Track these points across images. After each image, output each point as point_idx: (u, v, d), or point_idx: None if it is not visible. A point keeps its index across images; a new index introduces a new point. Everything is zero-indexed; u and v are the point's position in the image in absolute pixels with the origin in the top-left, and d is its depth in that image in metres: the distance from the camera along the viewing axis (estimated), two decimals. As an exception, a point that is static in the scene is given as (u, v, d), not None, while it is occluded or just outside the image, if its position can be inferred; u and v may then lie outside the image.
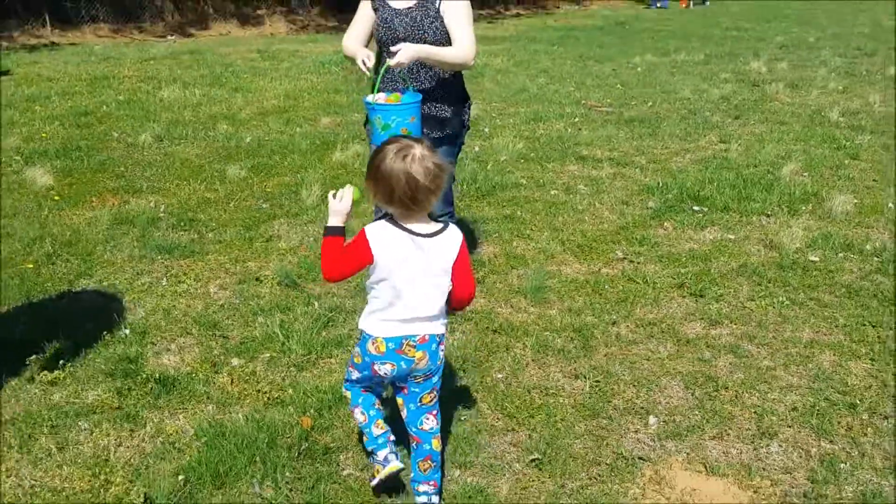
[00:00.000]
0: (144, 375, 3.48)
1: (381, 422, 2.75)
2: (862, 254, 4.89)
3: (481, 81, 11.30)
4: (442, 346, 2.60)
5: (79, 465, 2.91)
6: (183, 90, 10.21)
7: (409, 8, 3.75)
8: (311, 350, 3.72)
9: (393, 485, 2.74)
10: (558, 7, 27.79)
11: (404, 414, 2.68)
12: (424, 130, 3.66)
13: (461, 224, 5.33)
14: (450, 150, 3.93)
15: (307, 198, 5.89)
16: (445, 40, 3.72)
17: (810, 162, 6.92)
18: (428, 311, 2.52)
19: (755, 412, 3.28)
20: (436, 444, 2.67)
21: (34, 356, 3.62)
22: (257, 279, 4.53)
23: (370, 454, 2.75)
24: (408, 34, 3.70)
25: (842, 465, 2.94)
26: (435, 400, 2.67)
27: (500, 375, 3.54)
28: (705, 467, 2.94)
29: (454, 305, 2.60)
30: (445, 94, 3.86)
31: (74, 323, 3.96)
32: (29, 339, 3.76)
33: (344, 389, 2.80)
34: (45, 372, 3.49)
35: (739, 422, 3.22)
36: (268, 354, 3.70)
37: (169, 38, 17.49)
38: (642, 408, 3.31)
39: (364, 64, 3.63)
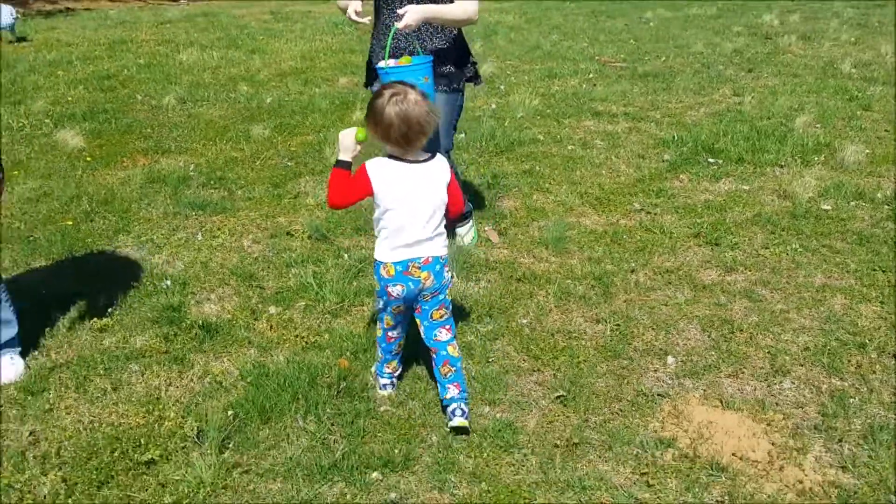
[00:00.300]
0: (188, 322, 3.68)
1: (394, 364, 3.19)
2: (873, 202, 5.02)
3: (495, 39, 11.37)
4: (446, 268, 2.94)
5: (133, 402, 3.12)
6: (201, 53, 10.34)
7: None
8: (343, 298, 3.90)
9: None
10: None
11: (422, 331, 3.02)
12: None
13: (477, 178, 5.50)
14: (454, 102, 4.12)
15: (331, 156, 6.05)
16: None
17: (823, 113, 7.02)
18: (430, 232, 2.86)
19: (769, 352, 3.45)
20: (451, 350, 2.99)
21: (83, 305, 3.82)
22: (288, 233, 4.70)
23: (377, 374, 3.23)
24: None
25: (851, 400, 3.11)
26: (446, 316, 3.00)
27: (524, 321, 3.72)
28: (721, 402, 3.12)
29: (450, 217, 3.01)
30: (450, 50, 4.00)
31: (117, 275, 4.16)
32: (75, 291, 3.97)
33: (377, 319, 3.16)
34: (95, 319, 3.70)
35: (754, 361, 3.39)
36: (303, 303, 3.89)
37: (182, 1, 17.53)
38: (661, 349, 3.49)
39: (355, 14, 3.76)
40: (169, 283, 4.09)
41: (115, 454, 2.78)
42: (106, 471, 2.71)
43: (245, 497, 2.62)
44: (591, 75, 8.92)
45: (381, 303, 3.01)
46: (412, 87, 2.79)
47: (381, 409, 3.08)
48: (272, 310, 3.83)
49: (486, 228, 4.75)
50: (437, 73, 3.80)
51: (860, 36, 10.97)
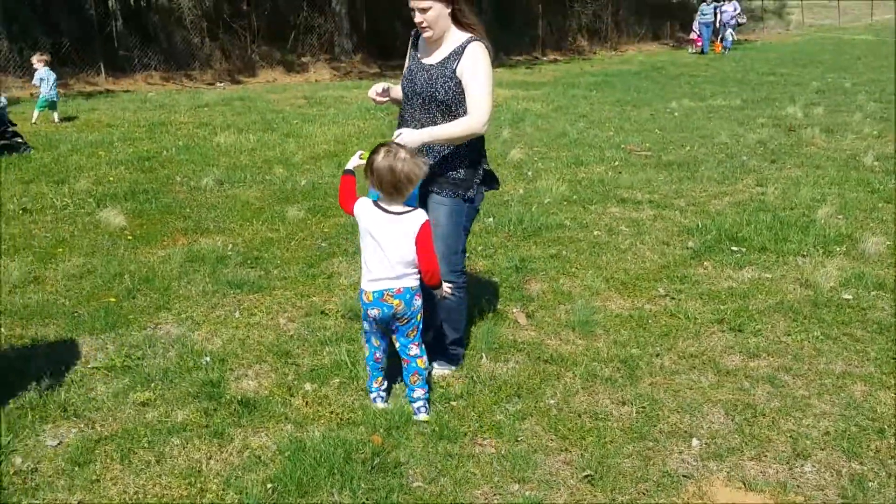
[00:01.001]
0: (227, 398, 3.83)
1: (380, 379, 3.78)
2: (893, 292, 5.12)
3: (522, 126, 11.69)
4: (417, 297, 3.54)
5: (175, 475, 3.24)
6: (237, 136, 10.73)
7: (433, 65, 3.80)
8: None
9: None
10: (594, 53, 28.28)
11: (397, 346, 3.66)
12: (435, 191, 3.86)
13: (505, 261, 5.66)
14: (462, 211, 3.91)
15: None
16: (457, 101, 3.74)
17: (845, 205, 7.17)
18: (396, 272, 3.46)
19: (790, 436, 3.53)
20: (420, 363, 3.66)
21: (126, 380, 3.98)
22: (322, 312, 4.87)
23: (368, 391, 3.82)
24: (423, 90, 3.79)
25: (870, 484, 3.18)
26: (416, 334, 3.62)
27: (552, 401, 3.83)
28: (744, 484, 3.20)
29: (424, 279, 3.53)
30: (458, 158, 3.85)
31: (158, 351, 4.33)
32: (119, 366, 4.13)
33: (363, 342, 3.80)
34: (138, 394, 3.85)
35: (776, 445, 3.47)
36: (337, 380, 4.03)
37: (218, 85, 18.19)
38: (686, 431, 3.58)
39: (377, 94, 3.96)
40: (208, 359, 4.24)
41: (160, 524, 2.90)
42: (151, 540, 2.82)
43: (283, 568, 2.72)
44: (616, 163, 9.16)
45: (366, 325, 3.63)
46: (402, 146, 3.43)
47: (414, 484, 3.18)
48: (308, 386, 3.97)
49: (514, 310, 4.90)
50: (446, 179, 3.84)
51: (883, 130, 11.19)
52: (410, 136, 3.68)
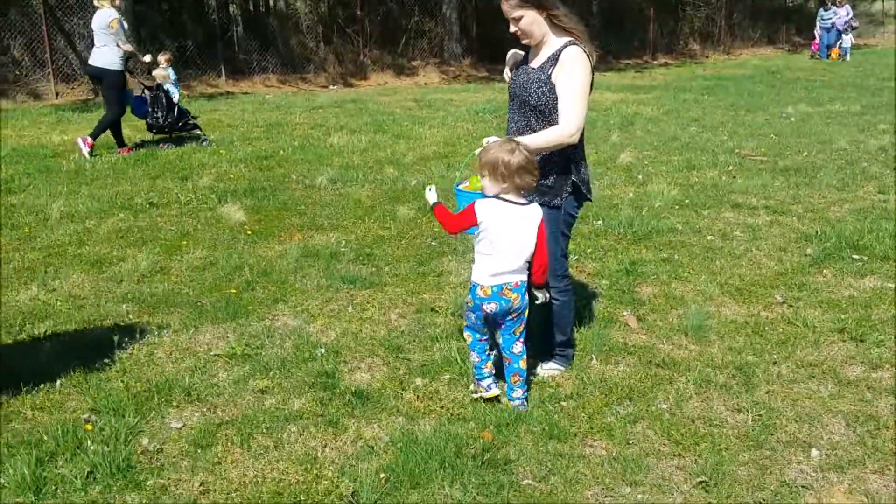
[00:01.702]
0: (341, 388, 3.92)
1: (490, 364, 3.77)
2: None
3: (632, 130, 11.54)
4: (526, 292, 3.61)
5: (292, 461, 3.35)
6: (350, 136, 10.96)
7: (533, 69, 3.77)
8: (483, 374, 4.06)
9: (489, 403, 3.75)
10: (707, 56, 27.63)
11: (500, 342, 3.73)
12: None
13: (615, 264, 5.59)
14: (553, 218, 3.84)
15: (472, 238, 6.29)
16: (551, 106, 3.69)
17: (979, 214, 6.79)
18: (519, 263, 3.54)
19: (920, 452, 3.37)
20: (522, 363, 3.71)
21: (246, 367, 4.14)
22: (432, 309, 4.93)
23: (478, 380, 3.78)
24: (519, 93, 3.79)
25: None
26: (522, 330, 3.68)
27: (664, 406, 3.77)
28: (867, 497, 3.08)
29: (535, 273, 3.62)
30: (549, 165, 3.78)
31: (276, 341, 4.47)
32: (239, 354, 4.30)
33: (465, 333, 3.79)
34: (257, 381, 3.99)
35: (903, 460, 3.33)
36: (447, 376, 4.07)
37: (331, 87, 18.64)
38: (805, 441, 3.47)
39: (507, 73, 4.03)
40: (323, 350, 4.36)
41: (278, 506, 3.00)
42: (270, 521, 2.93)
43: (396, 556, 2.78)
44: (730, 168, 8.93)
45: (472, 317, 3.67)
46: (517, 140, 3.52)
47: (524, 482, 3.19)
48: (418, 381, 4.03)
49: (625, 314, 4.84)
50: (539, 186, 3.73)
51: None
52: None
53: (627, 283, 5.33)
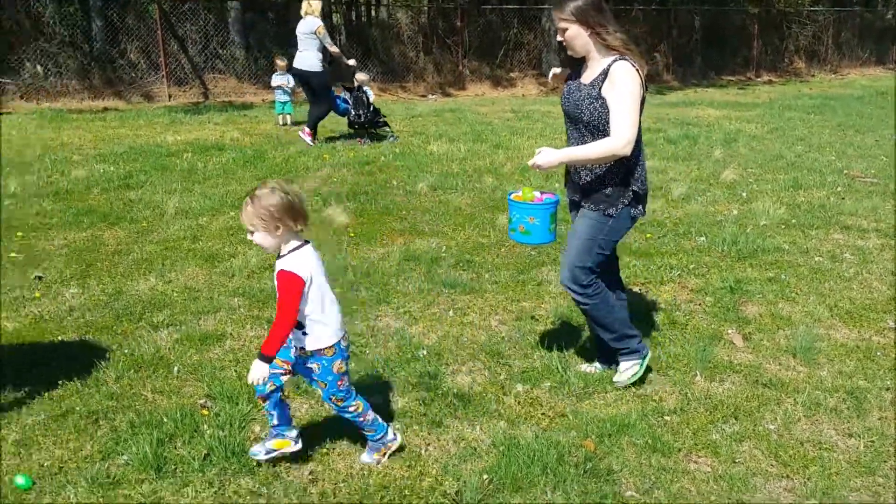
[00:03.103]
0: (444, 390, 3.98)
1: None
2: None
3: (735, 147, 11.31)
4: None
5: (396, 457, 3.41)
6: (449, 145, 11.08)
7: (584, 85, 3.74)
8: (588, 384, 4.06)
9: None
10: (813, 75, 26.84)
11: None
12: (584, 204, 3.86)
13: (718, 281, 5.50)
14: (599, 226, 3.81)
15: (572, 249, 6.29)
16: (604, 121, 3.66)
17: None
18: None
19: None
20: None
21: (352, 365, 4.24)
22: (533, 317, 4.96)
23: (381, 439, 3.36)
24: (572, 111, 3.77)
25: None
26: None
27: (771, 426, 3.70)
28: None
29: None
30: (610, 176, 3.77)
31: (380, 340, 4.57)
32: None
33: (357, 402, 3.34)
34: (362, 378, 4.09)
35: None
36: (548, 383, 4.09)
37: (430, 97, 18.85)
38: (921, 471, 3.36)
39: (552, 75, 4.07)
40: (425, 352, 4.43)
41: (384, 500, 3.08)
42: (376, 513, 3.00)
43: (500, 556, 2.81)
44: (839, 188, 8.67)
45: (347, 380, 3.29)
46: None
47: (627, 493, 3.18)
48: (519, 387, 4.06)
49: (729, 332, 4.77)
50: (597, 194, 3.78)
51: None
52: (548, 157, 3.69)
53: (732, 301, 5.24)
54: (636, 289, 5.47)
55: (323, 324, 3.14)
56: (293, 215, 3.04)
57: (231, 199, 7.82)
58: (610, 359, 4.19)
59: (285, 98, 13.13)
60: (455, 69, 21.06)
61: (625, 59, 3.64)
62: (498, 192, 8.36)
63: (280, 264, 3.05)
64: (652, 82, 22.84)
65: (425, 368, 4.21)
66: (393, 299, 5.25)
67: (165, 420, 3.60)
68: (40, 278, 5.48)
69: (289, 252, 3.07)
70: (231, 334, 4.61)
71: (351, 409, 3.30)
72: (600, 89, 3.65)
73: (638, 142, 3.73)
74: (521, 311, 5.09)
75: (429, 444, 3.52)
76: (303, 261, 3.06)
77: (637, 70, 3.64)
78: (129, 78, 16.80)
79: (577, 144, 3.77)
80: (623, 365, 4.08)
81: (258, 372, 3.08)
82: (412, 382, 4.07)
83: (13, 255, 5.99)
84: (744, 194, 8.35)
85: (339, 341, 3.19)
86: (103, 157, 9.88)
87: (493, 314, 5.05)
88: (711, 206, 7.82)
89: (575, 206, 4.00)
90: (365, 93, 11.81)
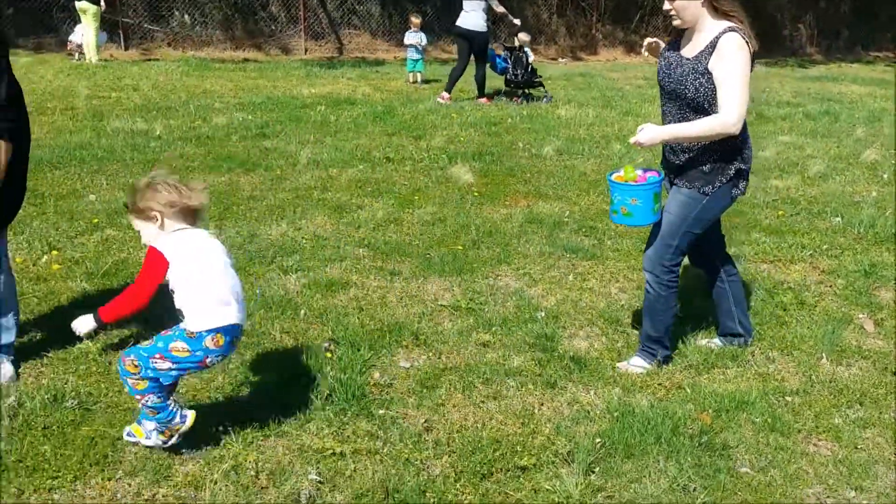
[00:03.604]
0: (560, 352, 4.01)
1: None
2: None
3: (879, 126, 10.75)
4: None
5: (510, 413, 3.48)
6: (578, 110, 10.97)
7: (688, 59, 3.55)
8: (707, 358, 4.00)
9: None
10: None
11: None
12: (678, 182, 3.71)
13: (852, 264, 5.28)
14: (693, 204, 3.68)
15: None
16: (709, 99, 3.49)
17: None
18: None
19: None
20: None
21: (471, 320, 4.32)
22: (654, 288, 4.90)
23: (170, 421, 2.98)
24: (674, 87, 3.59)
25: None
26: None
27: (897, 415, 3.57)
28: None
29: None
30: (709, 153, 3.61)
31: (498, 300, 4.63)
32: (463, 307, 4.49)
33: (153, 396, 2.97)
34: (480, 334, 4.17)
35: None
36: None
37: (561, 60, 18.63)
38: None
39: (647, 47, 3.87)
40: (542, 314, 4.46)
41: (496, 454, 3.14)
42: (488, 466, 3.07)
43: (607, 518, 2.84)
44: None
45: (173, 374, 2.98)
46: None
47: (742, 469, 3.15)
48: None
49: (861, 316, 4.59)
50: (693, 171, 3.64)
51: None
52: (651, 134, 3.54)
53: (865, 285, 5.03)
54: (763, 266, 5.32)
55: (190, 309, 2.93)
56: (175, 209, 2.97)
57: (360, 152, 8.01)
58: (731, 336, 4.12)
59: (417, 56, 13.28)
60: (588, 33, 20.72)
61: (734, 31, 3.45)
62: (625, 159, 8.23)
63: (155, 243, 2.97)
64: (794, 55, 21.87)
65: (542, 330, 4.25)
66: (513, 260, 5.29)
67: (292, 359, 3.77)
68: (181, 218, 5.79)
69: (170, 233, 2.99)
70: (355, 283, 4.77)
71: (132, 383, 2.93)
72: (707, 63, 3.46)
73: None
74: (642, 281, 5.00)
75: (542, 404, 3.57)
76: (174, 244, 2.95)
77: (747, 42, 3.46)
78: (268, 30, 17.31)
79: (676, 122, 3.62)
80: (636, 360, 3.94)
81: (82, 325, 3.03)
82: (529, 343, 4.12)
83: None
84: (885, 176, 7.94)
85: (204, 333, 2.90)
86: (242, 105, 10.28)
87: (613, 281, 5.02)
88: (849, 186, 7.48)
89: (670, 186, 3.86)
90: (525, 53, 12.11)
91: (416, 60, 13.31)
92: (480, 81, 11.73)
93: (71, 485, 2.86)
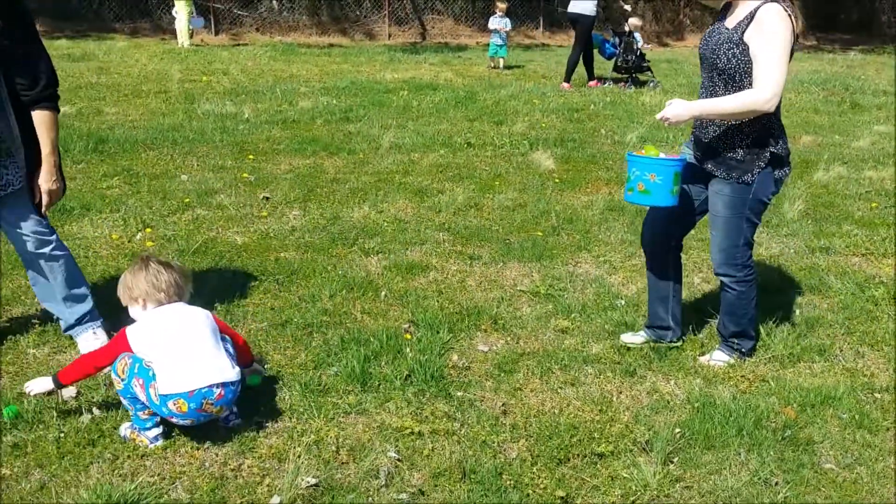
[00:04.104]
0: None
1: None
2: None
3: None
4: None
5: (587, 400, 3.46)
6: (663, 97, 10.76)
7: (727, 28, 3.37)
8: (792, 352, 3.91)
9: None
10: None
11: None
12: (713, 171, 3.50)
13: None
14: (740, 197, 3.48)
15: (788, 212, 6.01)
16: (742, 71, 3.30)
17: None
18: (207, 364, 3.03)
19: None
20: None
21: (549, 305, 4.31)
22: (739, 279, 4.80)
23: (139, 429, 3.02)
24: (709, 56, 3.41)
25: None
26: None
27: None
28: None
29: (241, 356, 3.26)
30: (740, 136, 3.42)
31: (578, 286, 4.61)
32: (542, 293, 4.48)
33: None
34: (559, 320, 4.15)
35: None
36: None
37: (646, 45, 18.26)
38: None
39: None
40: (623, 302, 4.42)
41: (574, 439, 3.14)
42: (565, 451, 3.07)
43: (685, 509, 2.81)
44: None
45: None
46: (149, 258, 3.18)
47: (826, 466, 3.07)
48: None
49: (958, 314, 4.41)
50: (723, 159, 3.46)
51: None
52: (679, 109, 3.37)
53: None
54: (855, 259, 5.16)
55: (164, 374, 2.93)
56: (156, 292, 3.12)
57: (442, 137, 8.04)
58: (660, 329, 3.96)
59: (500, 41, 13.24)
60: (675, 18, 20.34)
61: (776, 2, 3.26)
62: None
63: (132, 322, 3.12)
64: (892, 42, 20.98)
65: (622, 318, 4.21)
66: (594, 247, 5.25)
67: (372, 339, 3.83)
68: (267, 199, 5.93)
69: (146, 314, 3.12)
70: (435, 266, 4.81)
71: (114, 380, 3.03)
72: (743, 33, 3.27)
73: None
74: (724, 272, 4.94)
75: (621, 392, 3.54)
76: (143, 330, 3.04)
77: (790, 15, 3.26)
78: (353, 16, 17.51)
79: (707, 94, 3.45)
80: (719, 354, 3.82)
81: (38, 386, 3.12)
82: (608, 330, 4.09)
83: (245, 175, 6.50)
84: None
85: (164, 399, 2.91)
86: (327, 90, 10.44)
87: (696, 271, 4.94)
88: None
89: (695, 171, 3.60)
90: (634, 38, 12.22)
91: (500, 46, 13.27)
92: (571, 65, 11.76)
93: (161, 452, 2.97)
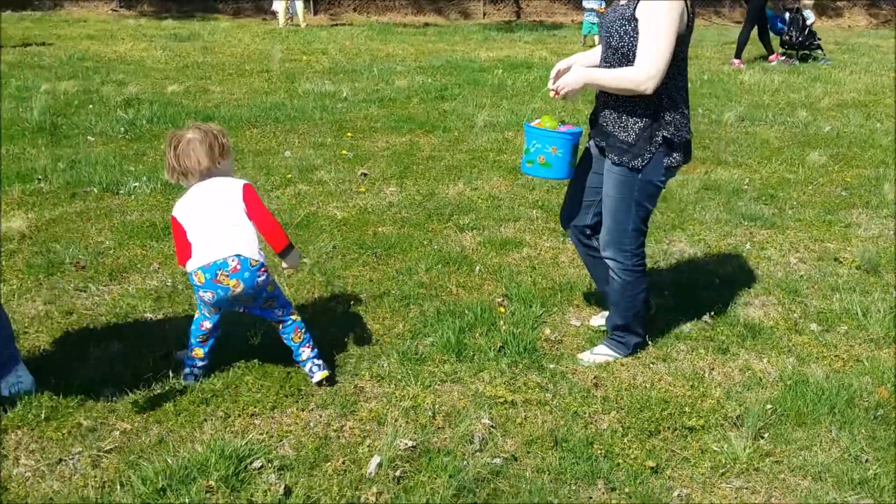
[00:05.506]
0: (732, 319, 3.99)
1: (198, 350, 3.33)
2: None
3: None
4: (258, 273, 3.20)
5: (679, 375, 3.52)
6: (763, 75, 10.55)
7: (622, 4, 3.21)
8: (888, 333, 3.87)
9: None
10: None
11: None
12: (606, 152, 3.35)
13: None
14: (628, 182, 3.31)
15: (889, 192, 5.88)
16: (631, 49, 3.13)
17: None
18: (226, 242, 3.21)
19: None
20: (295, 317, 3.35)
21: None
22: (836, 259, 4.75)
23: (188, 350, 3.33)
24: (603, 33, 3.29)
25: None
26: (287, 319, 3.36)
27: None
28: None
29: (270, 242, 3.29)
30: (630, 116, 3.26)
31: (671, 263, 4.64)
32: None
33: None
34: (652, 297, 4.20)
35: None
36: (844, 327, 3.95)
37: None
38: None
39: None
40: (717, 281, 4.43)
41: (664, 413, 3.21)
42: (655, 423, 3.14)
43: (775, 485, 2.85)
44: None
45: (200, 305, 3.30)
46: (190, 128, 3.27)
47: (920, 447, 3.06)
48: (813, 326, 3.96)
49: None
50: (615, 140, 3.29)
51: None
52: (574, 75, 3.22)
53: None
54: (959, 242, 5.03)
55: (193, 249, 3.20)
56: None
57: (537, 115, 8.07)
58: None
59: (595, 20, 13.13)
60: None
61: None
62: (811, 127, 7.92)
63: None
64: None
65: (716, 297, 4.23)
66: (688, 226, 5.26)
67: (467, 312, 3.96)
68: (365, 175, 6.13)
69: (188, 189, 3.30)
70: (528, 243, 4.91)
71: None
72: (634, 9, 3.11)
73: (676, 79, 3.21)
74: (823, 252, 4.89)
75: (713, 369, 3.59)
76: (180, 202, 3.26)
77: None
78: (449, -6, 17.61)
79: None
80: (601, 348, 3.67)
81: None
82: (701, 308, 4.11)
83: (344, 152, 6.71)
84: None
85: (191, 274, 3.20)
86: (423, 69, 10.60)
87: (792, 251, 4.90)
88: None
89: (594, 149, 3.53)
90: (802, 15, 12.28)
91: (594, 24, 13.17)
92: (741, 42, 11.89)
93: (269, 412, 3.17)
